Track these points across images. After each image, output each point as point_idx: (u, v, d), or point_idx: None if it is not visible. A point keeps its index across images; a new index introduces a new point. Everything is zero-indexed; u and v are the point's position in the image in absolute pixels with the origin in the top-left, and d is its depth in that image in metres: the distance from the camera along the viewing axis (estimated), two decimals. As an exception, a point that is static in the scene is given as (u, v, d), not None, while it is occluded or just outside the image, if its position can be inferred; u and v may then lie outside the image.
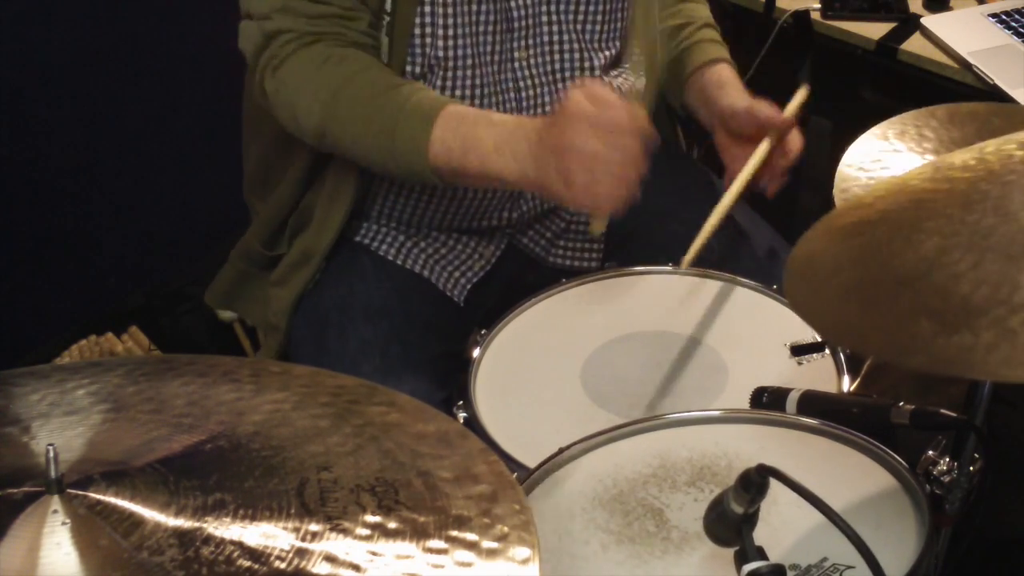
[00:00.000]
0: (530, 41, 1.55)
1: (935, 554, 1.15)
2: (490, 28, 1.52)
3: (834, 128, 2.22)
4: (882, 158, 1.47)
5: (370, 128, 1.43)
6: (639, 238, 1.71)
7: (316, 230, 1.60)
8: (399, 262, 1.64)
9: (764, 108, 1.56)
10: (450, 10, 1.48)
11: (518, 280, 1.68)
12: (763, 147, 1.55)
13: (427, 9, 1.47)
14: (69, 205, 2.40)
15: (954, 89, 1.97)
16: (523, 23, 1.54)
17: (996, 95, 1.91)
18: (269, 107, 1.52)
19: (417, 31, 1.48)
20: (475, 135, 1.39)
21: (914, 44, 2.07)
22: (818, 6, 2.17)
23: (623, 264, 1.61)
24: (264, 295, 1.67)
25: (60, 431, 0.97)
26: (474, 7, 1.49)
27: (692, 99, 1.70)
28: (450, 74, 1.51)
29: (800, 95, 1.66)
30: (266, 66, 1.48)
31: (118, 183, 2.46)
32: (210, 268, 1.78)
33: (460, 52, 1.50)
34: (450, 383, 1.52)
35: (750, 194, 1.66)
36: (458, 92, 1.53)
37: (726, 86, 1.63)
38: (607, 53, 1.62)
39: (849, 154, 1.49)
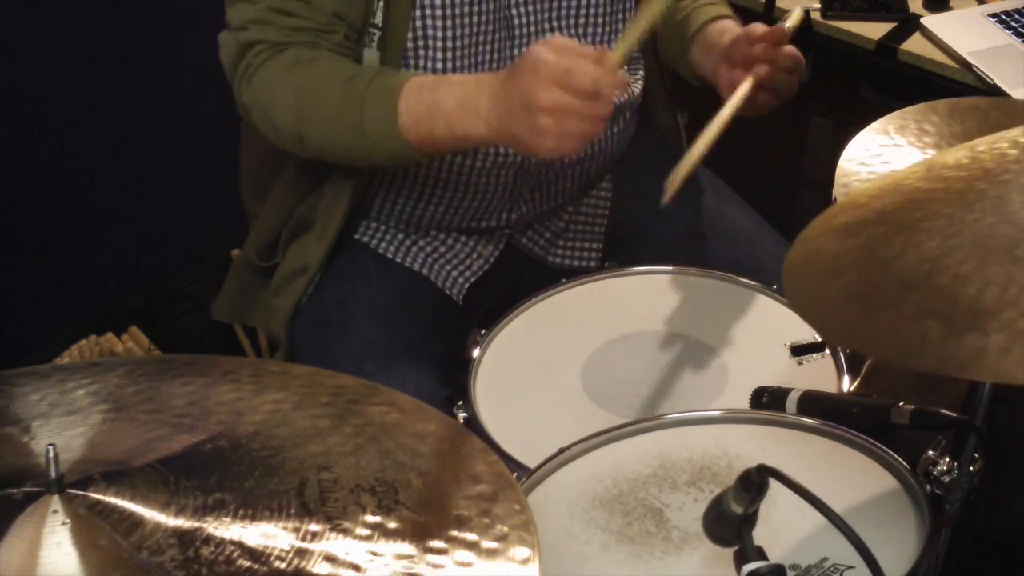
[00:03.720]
0: None
1: (935, 554, 1.15)
2: (489, 37, 1.51)
3: (834, 128, 2.22)
4: (882, 153, 1.47)
5: (339, 118, 1.42)
6: (639, 237, 1.71)
7: (315, 238, 1.59)
8: (399, 260, 1.64)
9: (758, 25, 1.53)
10: (448, 22, 1.47)
11: (517, 280, 1.68)
12: (747, 83, 1.51)
13: (419, 23, 1.47)
14: (69, 205, 2.40)
15: (954, 89, 1.97)
16: (525, 31, 1.54)
17: (996, 95, 1.91)
18: (250, 120, 1.52)
19: (410, 44, 1.48)
20: (436, 99, 1.38)
21: (914, 44, 2.07)
22: (818, 6, 2.17)
23: (623, 264, 1.61)
24: (266, 305, 1.67)
25: (60, 431, 0.97)
26: (473, 18, 1.49)
27: (697, 55, 1.67)
28: None
29: (793, 16, 1.62)
30: (242, 76, 1.48)
31: (118, 183, 2.46)
32: (210, 268, 1.79)
33: (460, 63, 1.50)
34: (454, 381, 1.52)
35: (749, 194, 1.66)
36: None
37: (728, 32, 1.61)
38: None
39: (850, 149, 1.48)
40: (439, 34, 1.48)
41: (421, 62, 1.49)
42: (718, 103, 1.54)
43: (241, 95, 1.50)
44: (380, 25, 1.46)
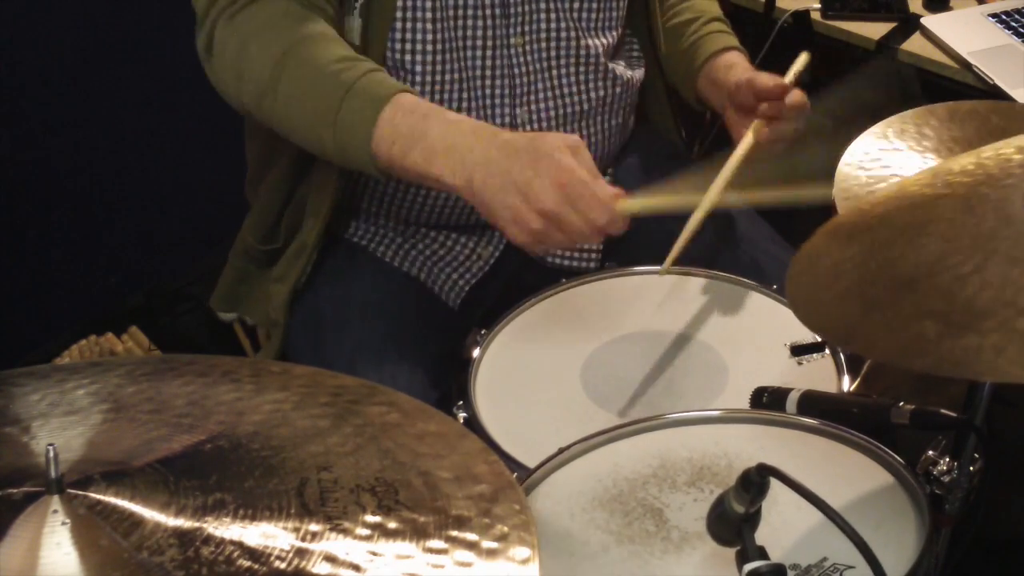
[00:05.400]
0: (527, 28, 1.55)
1: (935, 554, 1.15)
2: (479, 13, 1.51)
3: (834, 128, 2.22)
4: (882, 157, 1.47)
5: (315, 97, 1.36)
6: (638, 238, 1.70)
7: (308, 222, 1.59)
8: (396, 264, 1.64)
9: (763, 78, 1.54)
10: None
11: (516, 280, 1.68)
12: (748, 137, 1.53)
13: None
14: (69, 205, 2.40)
15: (954, 89, 1.97)
16: (520, 9, 1.54)
17: (996, 95, 1.91)
18: (212, 68, 1.45)
19: (399, 14, 1.46)
20: (425, 129, 1.31)
21: (914, 44, 2.07)
22: (818, 6, 2.17)
23: (623, 264, 1.61)
24: (265, 293, 1.67)
25: (60, 431, 0.97)
26: None
27: (704, 87, 1.69)
28: (439, 56, 1.50)
29: (798, 62, 1.63)
30: (222, 12, 1.41)
31: (118, 183, 2.46)
32: (210, 268, 1.78)
33: (447, 35, 1.49)
34: (445, 383, 1.52)
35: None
36: (448, 76, 1.52)
37: (735, 67, 1.63)
38: (603, 41, 1.62)
39: (849, 153, 1.48)
40: (428, 3, 1.47)
41: (408, 34, 1.48)
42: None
43: (213, 31, 1.42)
44: None
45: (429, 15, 1.47)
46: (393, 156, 1.33)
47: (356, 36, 1.46)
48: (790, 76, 1.60)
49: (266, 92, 1.39)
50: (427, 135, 1.31)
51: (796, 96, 1.54)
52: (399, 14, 1.47)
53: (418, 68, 1.50)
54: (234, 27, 1.40)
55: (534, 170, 1.25)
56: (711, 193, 1.44)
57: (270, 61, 1.38)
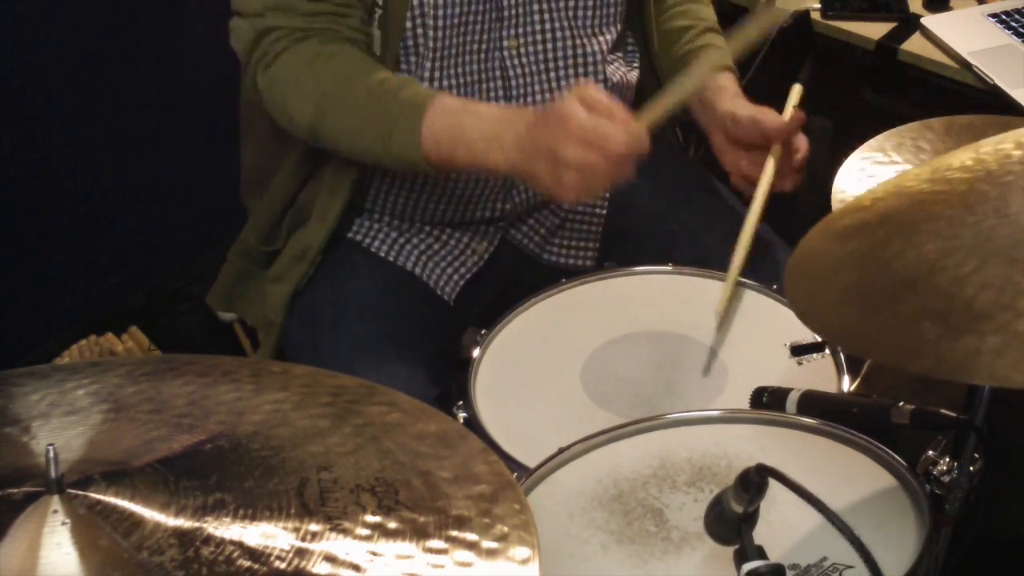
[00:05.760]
0: (520, 30, 1.55)
1: (935, 554, 1.15)
2: (479, 17, 1.52)
3: (834, 128, 2.22)
4: (877, 173, 1.48)
5: (363, 129, 1.46)
6: (636, 237, 1.71)
7: (313, 224, 1.60)
8: (391, 259, 1.64)
9: (769, 117, 1.54)
10: (440, 0, 1.49)
11: (512, 278, 1.68)
12: (769, 168, 1.53)
13: (416, 0, 1.48)
14: (69, 205, 2.40)
15: (954, 89, 1.97)
16: (513, 12, 1.54)
17: (996, 95, 1.91)
18: (264, 104, 1.53)
19: (409, 24, 1.49)
20: (462, 127, 1.42)
21: (914, 44, 2.07)
22: (818, 6, 2.17)
23: (622, 264, 1.61)
24: (261, 293, 1.67)
25: (60, 431, 0.97)
26: None
27: (692, 102, 1.69)
28: (437, 64, 1.52)
29: (794, 95, 1.64)
30: (258, 63, 1.50)
31: (118, 183, 2.46)
32: (210, 268, 1.78)
33: (448, 42, 1.51)
34: (444, 381, 1.52)
35: (747, 194, 1.65)
36: (445, 82, 1.53)
37: (725, 91, 1.62)
38: (601, 40, 1.61)
39: (846, 167, 1.49)
40: (429, 11, 1.49)
41: (420, 39, 1.50)
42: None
43: (257, 80, 1.51)
44: (381, 4, 1.48)
45: (431, 23, 1.49)
46: (442, 157, 1.44)
47: (377, 46, 1.51)
48: (788, 111, 1.60)
49: (316, 133, 1.50)
50: (464, 133, 1.42)
51: (801, 140, 1.56)
52: (409, 24, 1.49)
53: (425, 74, 1.52)
54: (271, 78, 1.49)
55: (550, 130, 1.34)
56: (746, 229, 1.51)
57: (310, 108, 1.48)
